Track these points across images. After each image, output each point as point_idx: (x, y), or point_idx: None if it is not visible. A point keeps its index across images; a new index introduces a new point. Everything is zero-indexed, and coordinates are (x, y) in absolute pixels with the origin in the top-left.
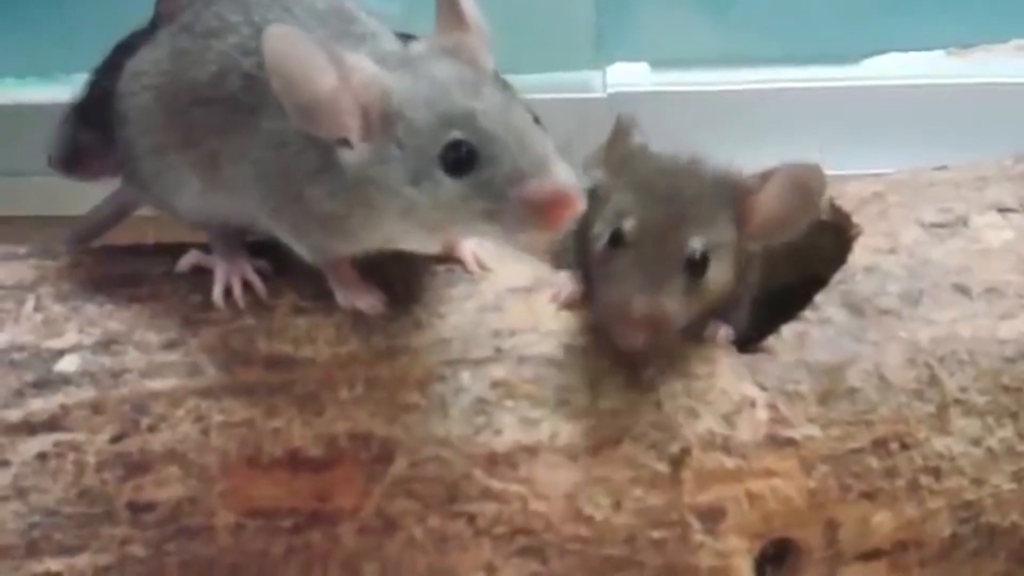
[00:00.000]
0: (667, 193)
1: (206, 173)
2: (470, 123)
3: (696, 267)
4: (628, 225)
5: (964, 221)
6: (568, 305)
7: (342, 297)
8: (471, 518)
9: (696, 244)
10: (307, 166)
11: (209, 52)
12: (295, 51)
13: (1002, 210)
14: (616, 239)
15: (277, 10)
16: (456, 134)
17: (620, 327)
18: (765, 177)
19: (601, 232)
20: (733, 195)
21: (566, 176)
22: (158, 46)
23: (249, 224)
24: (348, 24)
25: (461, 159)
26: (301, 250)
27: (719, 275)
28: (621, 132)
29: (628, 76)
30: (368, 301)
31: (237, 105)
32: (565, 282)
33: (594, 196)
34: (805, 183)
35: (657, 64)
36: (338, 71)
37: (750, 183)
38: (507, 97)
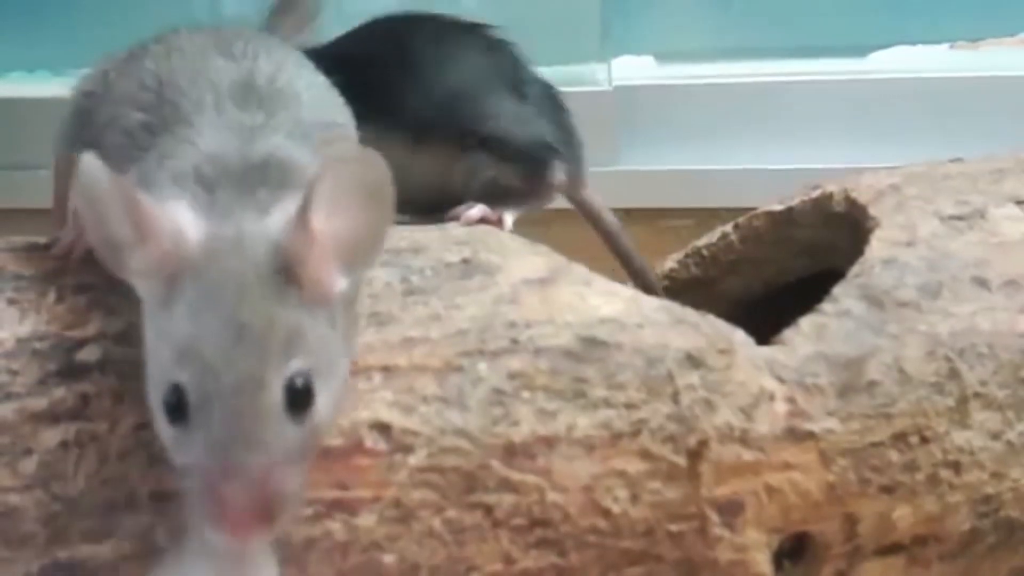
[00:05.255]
0: None
1: None
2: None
3: None
4: None
5: (982, 213)
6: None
7: None
8: (489, 509)
9: None
10: None
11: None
12: (100, 190)
13: (1020, 202)
14: None
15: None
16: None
17: None
18: None
19: None
20: None
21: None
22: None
23: None
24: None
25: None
26: None
27: None
28: None
29: (633, 69)
30: None
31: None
32: None
33: None
34: None
35: (662, 57)
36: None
37: None
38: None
